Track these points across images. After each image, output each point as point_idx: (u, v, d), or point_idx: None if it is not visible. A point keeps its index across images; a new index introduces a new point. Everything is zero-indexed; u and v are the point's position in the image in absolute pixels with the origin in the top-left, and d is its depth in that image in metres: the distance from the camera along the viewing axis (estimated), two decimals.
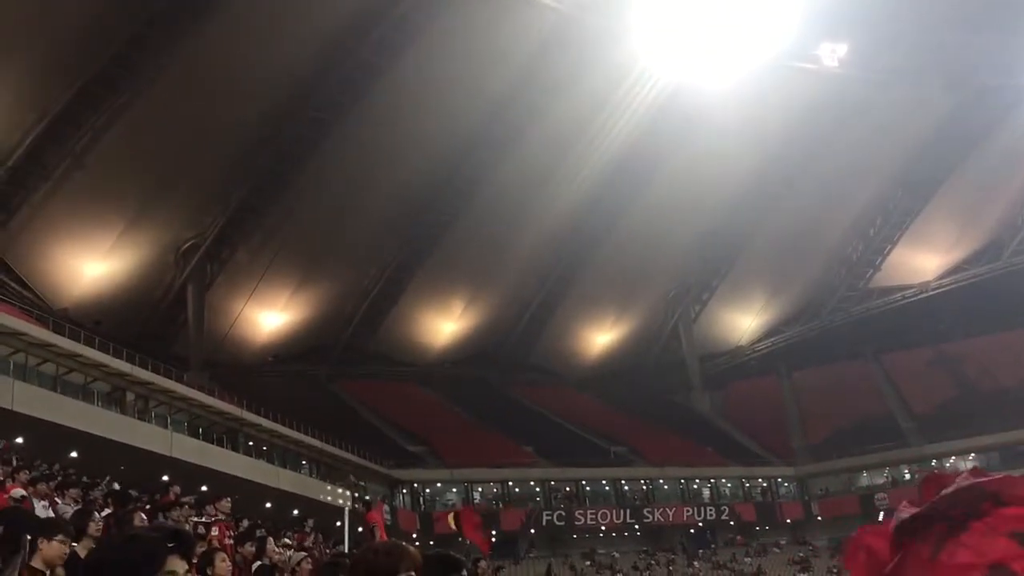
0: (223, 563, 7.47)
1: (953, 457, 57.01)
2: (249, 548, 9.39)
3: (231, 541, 11.34)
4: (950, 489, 3.05)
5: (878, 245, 66.43)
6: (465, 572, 3.67)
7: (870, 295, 67.94)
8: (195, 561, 7.22)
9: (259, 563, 9.18)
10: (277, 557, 11.11)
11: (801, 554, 54.11)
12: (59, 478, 14.79)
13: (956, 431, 54.87)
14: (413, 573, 3.21)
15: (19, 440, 25.14)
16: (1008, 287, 61.42)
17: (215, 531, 10.92)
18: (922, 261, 66.48)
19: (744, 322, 70.67)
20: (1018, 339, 61.09)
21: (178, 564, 2.34)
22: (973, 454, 56.72)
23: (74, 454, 27.87)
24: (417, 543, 46.51)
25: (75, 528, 7.77)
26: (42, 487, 11.31)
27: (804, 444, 60.18)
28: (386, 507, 45.84)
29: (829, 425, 59.38)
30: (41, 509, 10.40)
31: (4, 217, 45.48)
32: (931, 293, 66.47)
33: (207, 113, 45.92)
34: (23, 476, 12.64)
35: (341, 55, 48.33)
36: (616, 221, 59.90)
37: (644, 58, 51.52)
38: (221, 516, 12.07)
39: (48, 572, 5.62)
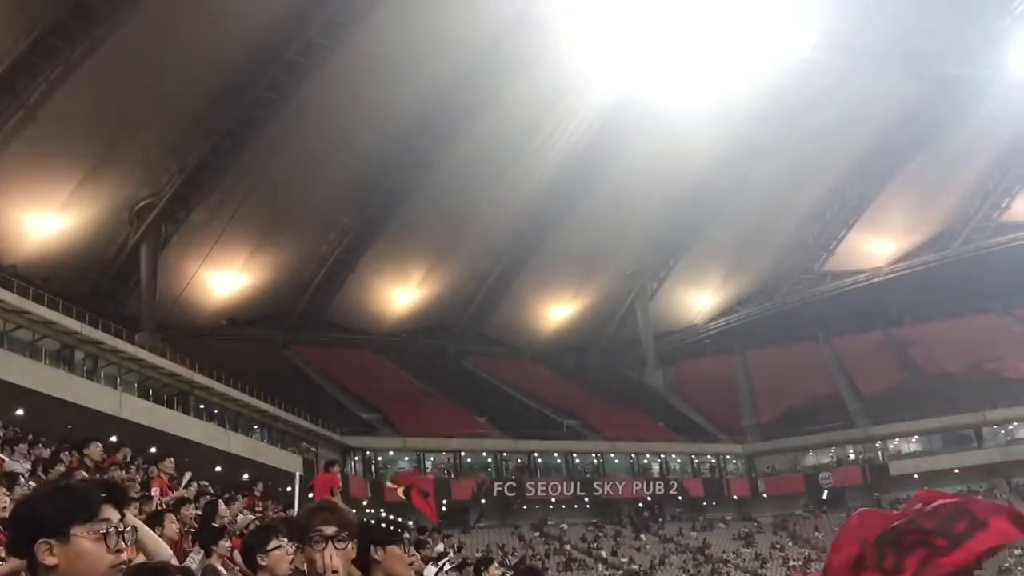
0: (172, 525, 7.43)
1: (897, 439, 58.40)
2: (189, 512, 9.22)
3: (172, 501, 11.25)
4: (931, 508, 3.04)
5: (833, 229, 67.31)
6: (407, 535, 3.65)
7: (824, 278, 68.94)
8: (141, 518, 7.17)
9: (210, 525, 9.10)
10: (227, 520, 11.05)
11: (746, 530, 55.17)
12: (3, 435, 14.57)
13: (901, 414, 56.17)
14: (342, 532, 3.17)
15: None
16: (957, 275, 62.81)
17: (155, 490, 10.82)
18: (875, 247, 67.55)
19: (700, 301, 71.37)
20: (964, 326, 62.62)
21: (111, 513, 2.32)
22: (916, 436, 58.17)
23: (20, 412, 27.48)
24: (368, 510, 46.65)
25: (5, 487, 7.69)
26: None
27: (754, 423, 61.17)
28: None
29: (779, 405, 60.42)
30: None
31: None
32: (883, 278, 67.63)
33: (166, 69, 44.95)
34: None
35: (305, 16, 47.53)
36: (577, 197, 59.92)
37: (612, 40, 51.38)
38: (164, 475, 11.96)
39: None
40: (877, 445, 58.35)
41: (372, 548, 3.49)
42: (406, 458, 53.51)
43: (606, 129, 56.21)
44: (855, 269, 68.18)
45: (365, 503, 47.93)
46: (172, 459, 12.52)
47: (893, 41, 52.76)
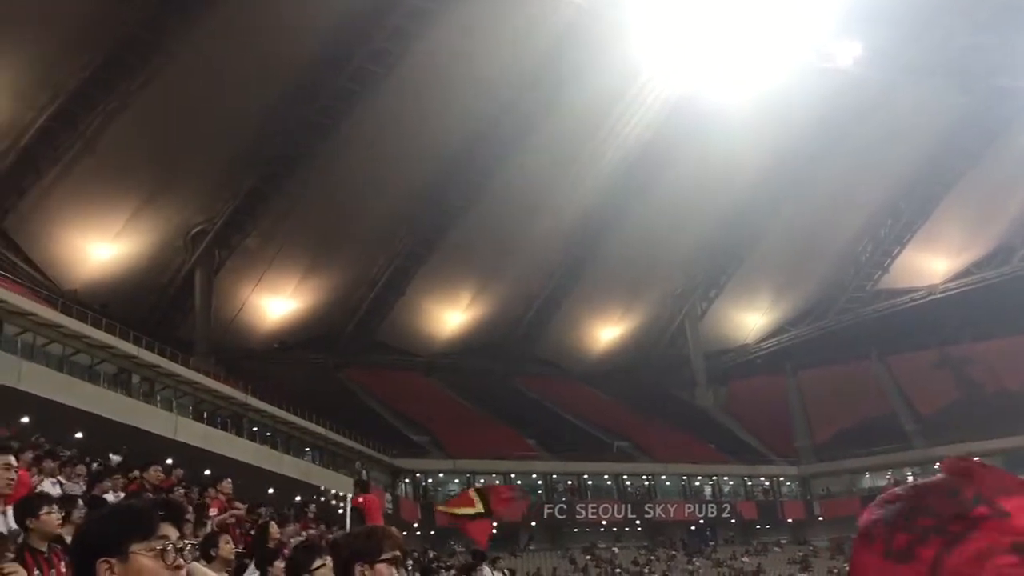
0: (227, 545, 7.53)
1: None
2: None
3: (232, 521, 11.41)
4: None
5: (887, 247, 66.21)
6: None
7: (878, 296, 67.76)
8: (198, 544, 7.30)
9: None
10: (284, 540, 11.17)
11: (801, 553, 54.15)
12: (63, 457, 14.88)
13: (960, 434, 54.74)
14: (398, 553, 3.21)
15: (25, 419, 25.28)
16: (1016, 292, 61.16)
17: (213, 510, 10.97)
18: (930, 264, 66.28)
19: (751, 320, 70.57)
20: None
21: (170, 531, 2.36)
22: (977, 457, 56.62)
23: (79, 435, 28.00)
24: (418, 533, 46.74)
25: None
26: (48, 465, 11.38)
27: (808, 444, 60.13)
28: (387, 495, 45.98)
29: (833, 425, 59.35)
30: (49, 486, 10.47)
31: (15, 198, 45.59)
32: (939, 296, 66.27)
33: (219, 99, 45.94)
34: (27, 455, 12.71)
35: (355, 42, 48.26)
36: (626, 216, 59.80)
37: (658, 56, 51.40)
38: (222, 496, 12.14)
39: (47, 546, 5.67)
40: (936, 467, 56.78)
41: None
42: (456, 480, 53.47)
43: (653, 147, 56.08)
44: (910, 287, 66.94)
45: (415, 525, 48.00)
46: (229, 480, 12.70)
47: (945, 54, 51.97)
